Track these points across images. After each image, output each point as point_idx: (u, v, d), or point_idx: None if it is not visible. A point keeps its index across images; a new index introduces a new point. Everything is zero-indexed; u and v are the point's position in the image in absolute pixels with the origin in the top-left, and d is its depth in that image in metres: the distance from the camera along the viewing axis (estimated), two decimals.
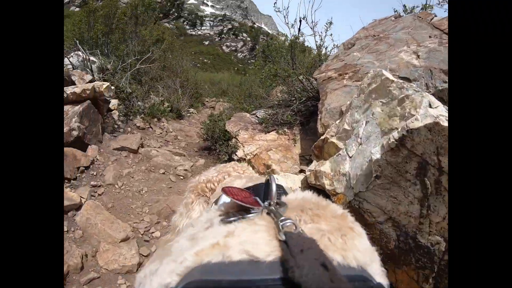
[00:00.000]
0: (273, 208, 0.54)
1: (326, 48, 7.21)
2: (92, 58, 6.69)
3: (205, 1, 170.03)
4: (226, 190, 0.63)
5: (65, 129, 4.04)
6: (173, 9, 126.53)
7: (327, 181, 3.02)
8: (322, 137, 3.68)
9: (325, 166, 3.28)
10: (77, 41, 6.79)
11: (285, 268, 0.37)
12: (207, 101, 13.88)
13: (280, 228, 0.45)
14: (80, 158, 3.85)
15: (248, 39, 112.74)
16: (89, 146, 4.30)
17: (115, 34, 9.54)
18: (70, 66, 6.14)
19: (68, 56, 6.40)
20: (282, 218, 0.48)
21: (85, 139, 4.28)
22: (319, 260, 0.36)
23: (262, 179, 0.93)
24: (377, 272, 0.49)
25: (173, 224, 1.22)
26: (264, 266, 0.39)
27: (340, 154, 3.20)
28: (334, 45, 7.09)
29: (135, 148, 4.72)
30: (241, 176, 1.22)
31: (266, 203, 0.58)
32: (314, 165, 3.61)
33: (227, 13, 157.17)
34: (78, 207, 3.10)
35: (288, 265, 0.36)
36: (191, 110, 9.62)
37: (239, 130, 5.28)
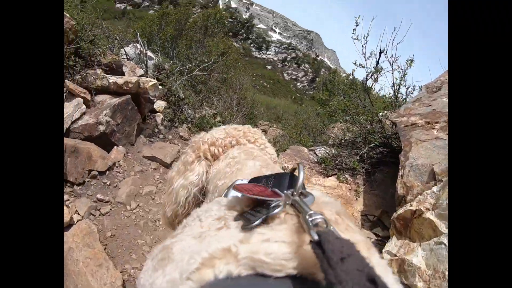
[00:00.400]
0: (298, 198, 0.46)
1: (407, 88, 6.24)
2: (149, 53, 6.23)
3: (273, 28, 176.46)
4: (238, 188, 0.54)
5: (92, 121, 3.37)
6: (243, 30, 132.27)
7: (421, 283, 1.96)
8: (411, 207, 2.60)
9: (417, 257, 2.20)
10: (137, 33, 6.41)
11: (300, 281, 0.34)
12: (260, 124, 13.32)
13: (310, 224, 0.37)
14: (96, 159, 3.10)
15: (310, 70, 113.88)
16: (115, 147, 3.58)
17: (183, 40, 9.66)
18: (124, 56, 5.69)
19: (125, 46, 5.98)
20: (311, 212, 0.40)
21: (112, 137, 3.57)
22: (364, 272, 0.28)
23: (277, 167, 0.89)
24: (393, 282, 0.41)
25: (168, 181, 1.11)
26: (273, 281, 0.35)
27: (444, 244, 2.10)
28: (415, 86, 6.07)
29: (168, 161, 3.94)
30: (252, 153, 1.00)
31: (288, 191, 0.49)
32: (395, 246, 2.52)
33: (292, 42, 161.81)
34: (66, 226, 2.30)
35: (327, 278, 0.29)
36: None
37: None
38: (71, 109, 3.43)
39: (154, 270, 0.46)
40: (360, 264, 0.29)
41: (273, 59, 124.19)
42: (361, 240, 0.42)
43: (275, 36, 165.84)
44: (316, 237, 0.34)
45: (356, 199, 4.19)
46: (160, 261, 0.46)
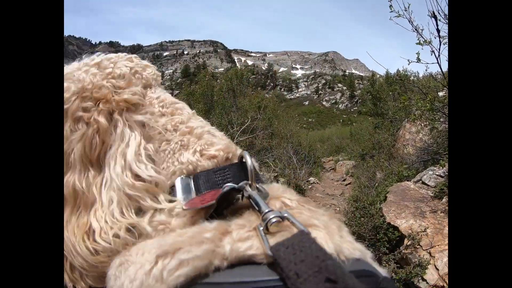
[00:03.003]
0: (254, 193, 0.47)
1: None
2: None
3: (294, 66, 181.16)
4: (188, 207, 0.50)
5: None
6: (268, 80, 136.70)
7: None
8: None
9: None
10: None
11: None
12: (323, 162, 12.23)
13: (266, 242, 0.38)
14: None
15: (344, 88, 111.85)
16: None
17: (216, 110, 9.75)
18: None
19: None
20: (267, 210, 0.41)
21: None
22: (322, 273, 0.31)
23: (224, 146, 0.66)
24: (374, 264, 0.42)
25: None
26: (265, 268, 0.36)
27: None
28: None
29: None
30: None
31: (243, 183, 0.50)
32: None
33: (316, 70, 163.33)
34: None
35: None
36: (312, 179, 7.84)
37: (412, 221, 2.94)
38: None
39: (115, 279, 0.44)
40: (316, 264, 0.31)
41: (306, 93, 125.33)
42: (323, 223, 0.42)
43: (299, 72, 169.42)
44: (270, 254, 0.35)
45: None
46: (119, 267, 0.44)
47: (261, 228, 0.40)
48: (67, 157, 0.61)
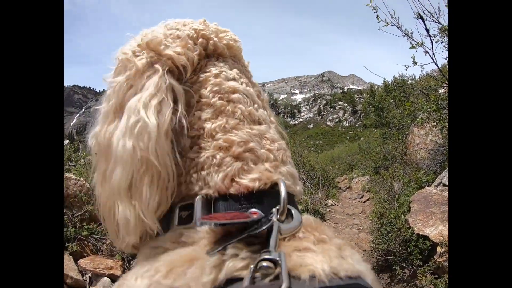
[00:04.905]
0: (276, 222, 0.45)
1: None
2: None
3: (293, 91, 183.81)
4: (208, 218, 0.46)
5: None
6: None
7: None
8: None
9: None
10: None
11: None
12: (338, 182, 12.01)
13: (250, 274, 0.39)
14: None
15: (345, 104, 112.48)
16: None
17: None
18: None
19: None
20: (264, 251, 0.41)
21: None
22: None
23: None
24: (374, 279, 0.43)
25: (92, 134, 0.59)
26: None
27: None
28: None
29: None
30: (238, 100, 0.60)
31: (273, 212, 0.47)
32: None
33: (315, 92, 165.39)
34: None
35: None
36: (329, 202, 7.63)
37: (441, 227, 2.80)
38: None
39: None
40: None
41: (309, 116, 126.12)
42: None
43: (299, 97, 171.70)
44: None
45: None
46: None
47: (251, 266, 0.40)
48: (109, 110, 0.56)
